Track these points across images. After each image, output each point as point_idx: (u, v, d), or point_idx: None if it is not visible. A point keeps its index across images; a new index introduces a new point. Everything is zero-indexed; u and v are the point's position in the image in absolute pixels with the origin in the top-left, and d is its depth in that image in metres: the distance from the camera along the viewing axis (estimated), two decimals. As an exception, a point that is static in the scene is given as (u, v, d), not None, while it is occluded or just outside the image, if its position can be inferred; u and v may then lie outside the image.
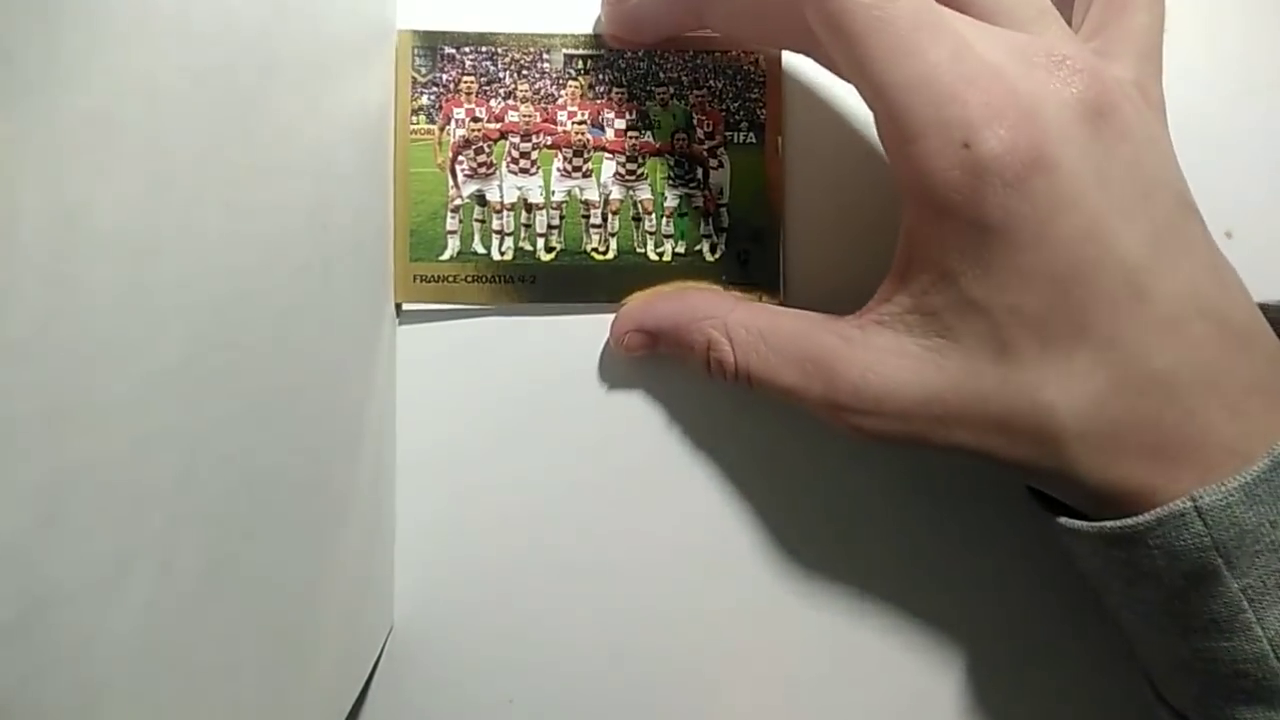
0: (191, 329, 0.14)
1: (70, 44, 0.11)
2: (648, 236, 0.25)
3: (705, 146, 0.25)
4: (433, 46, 0.24)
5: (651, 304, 0.23)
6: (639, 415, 0.25)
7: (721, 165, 0.25)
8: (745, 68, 0.25)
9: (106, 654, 0.12)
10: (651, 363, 0.25)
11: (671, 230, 0.25)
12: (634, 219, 0.25)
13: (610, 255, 0.25)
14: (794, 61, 0.25)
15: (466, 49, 0.24)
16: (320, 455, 0.19)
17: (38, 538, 0.11)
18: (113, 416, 0.12)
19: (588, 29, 0.25)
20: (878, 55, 0.19)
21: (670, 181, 0.25)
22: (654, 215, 0.25)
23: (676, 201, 0.25)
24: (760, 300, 0.24)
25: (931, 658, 0.25)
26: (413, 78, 0.24)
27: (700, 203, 0.25)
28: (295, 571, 0.18)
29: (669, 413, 0.25)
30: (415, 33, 0.24)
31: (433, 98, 0.24)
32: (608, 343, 0.25)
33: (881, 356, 0.20)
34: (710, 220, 0.25)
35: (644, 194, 0.25)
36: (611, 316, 0.24)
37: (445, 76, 0.24)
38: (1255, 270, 0.20)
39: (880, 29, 0.18)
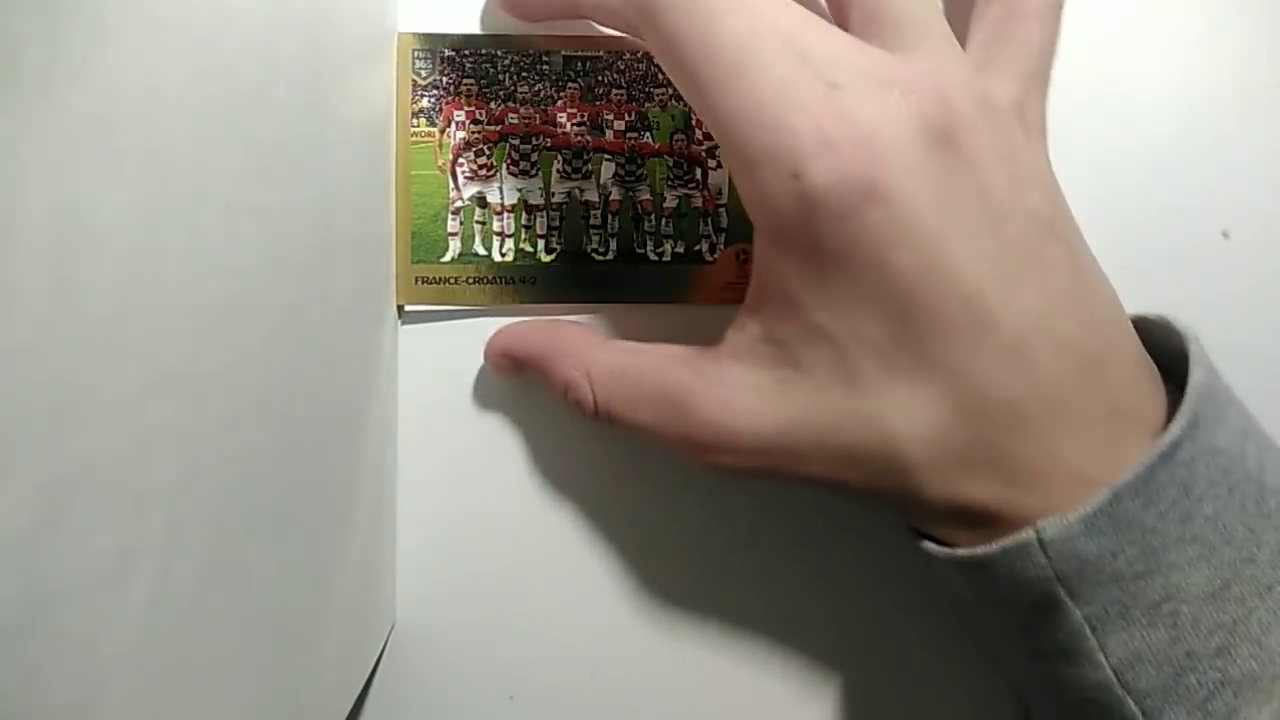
0: (191, 329, 0.14)
1: (70, 44, 0.11)
2: (647, 237, 0.25)
3: (704, 147, 0.25)
4: (433, 49, 0.24)
5: (523, 333, 0.23)
6: (639, 416, 0.25)
7: (720, 165, 0.25)
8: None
9: (106, 654, 0.12)
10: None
11: (671, 230, 0.25)
12: (634, 219, 0.25)
13: (610, 256, 0.25)
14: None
15: (466, 51, 0.24)
16: (322, 455, 0.19)
17: (38, 537, 0.11)
18: (113, 416, 0.12)
19: (587, 31, 0.25)
20: (706, 79, 0.18)
21: (669, 182, 0.25)
22: (654, 215, 0.25)
23: (676, 202, 0.25)
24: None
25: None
26: (413, 80, 0.24)
27: (699, 203, 0.25)
28: (296, 571, 0.18)
29: (669, 413, 0.25)
30: (415, 35, 0.24)
31: (433, 100, 0.24)
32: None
33: (736, 392, 0.19)
34: (710, 220, 0.25)
35: (644, 195, 0.25)
36: (612, 317, 0.24)
37: (445, 79, 0.24)
38: (1254, 270, 0.20)
39: (707, 50, 0.18)
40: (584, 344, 0.22)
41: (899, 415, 0.18)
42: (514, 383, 0.25)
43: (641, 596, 0.25)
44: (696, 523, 0.25)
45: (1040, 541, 0.17)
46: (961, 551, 0.19)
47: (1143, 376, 0.19)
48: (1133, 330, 0.19)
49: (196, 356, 0.14)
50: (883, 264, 0.18)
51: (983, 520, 0.18)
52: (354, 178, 0.21)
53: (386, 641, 0.25)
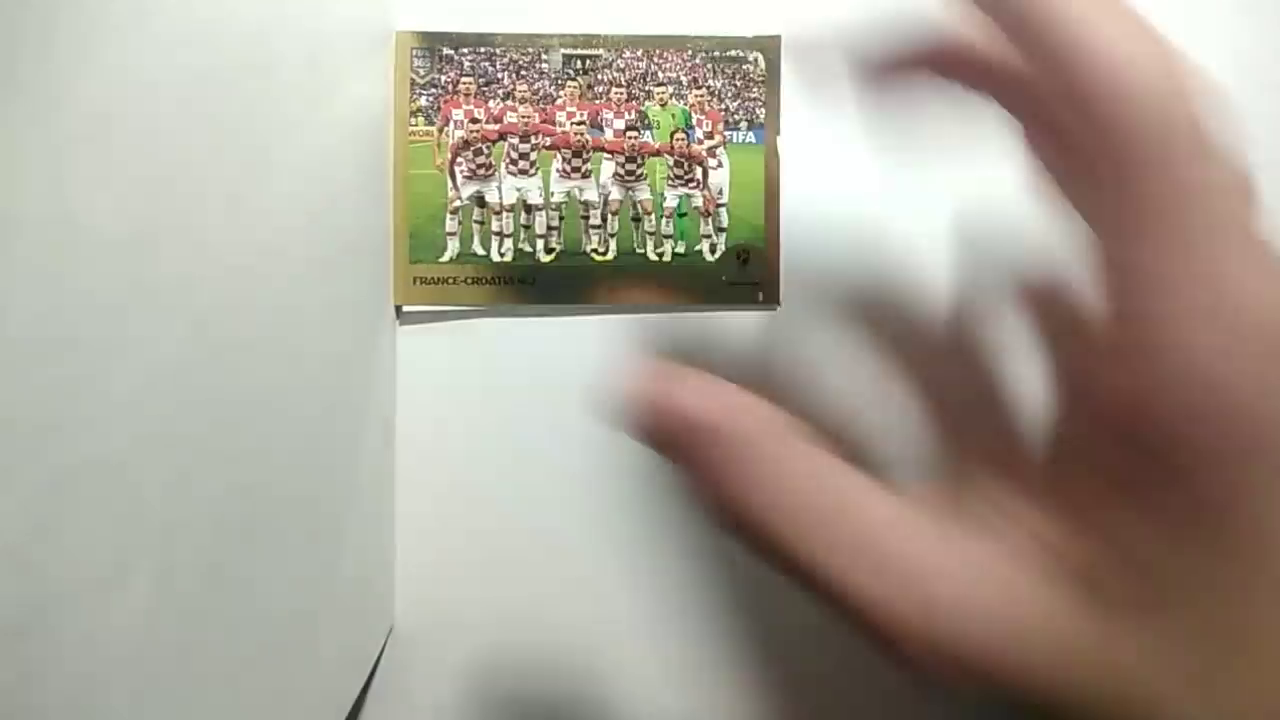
0: (191, 329, 0.14)
1: (70, 44, 0.11)
2: (647, 237, 0.25)
3: (705, 146, 0.25)
4: (431, 48, 0.24)
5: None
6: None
7: (721, 165, 0.25)
8: (745, 67, 0.25)
9: (106, 654, 0.12)
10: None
11: (671, 230, 0.25)
12: (633, 219, 0.25)
13: (610, 256, 0.25)
14: (794, 60, 0.25)
15: (465, 50, 0.24)
16: (320, 456, 0.19)
17: (38, 538, 0.11)
18: (113, 416, 0.12)
19: (586, 29, 0.25)
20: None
21: (670, 181, 0.25)
22: (654, 215, 0.25)
23: (676, 201, 0.25)
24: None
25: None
26: (411, 79, 0.24)
27: (700, 203, 0.25)
28: (295, 572, 0.18)
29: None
30: (414, 34, 0.24)
31: (431, 99, 0.24)
32: (607, 345, 0.25)
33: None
34: (710, 220, 0.25)
35: (643, 194, 0.25)
36: (611, 316, 0.24)
37: (444, 78, 0.24)
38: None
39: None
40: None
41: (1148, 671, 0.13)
42: (514, 383, 0.25)
43: (641, 597, 0.25)
44: (697, 524, 0.25)
45: None
46: None
47: None
48: None
49: (195, 356, 0.14)
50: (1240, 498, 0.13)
51: None
52: (352, 177, 0.21)
53: (386, 642, 0.25)
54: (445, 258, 0.24)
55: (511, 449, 0.25)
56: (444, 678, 0.25)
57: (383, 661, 0.25)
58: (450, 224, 0.24)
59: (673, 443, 0.15)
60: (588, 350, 0.25)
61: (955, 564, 0.14)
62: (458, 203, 0.24)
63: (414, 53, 0.24)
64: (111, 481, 0.12)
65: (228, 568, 0.15)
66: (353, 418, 0.22)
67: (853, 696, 0.25)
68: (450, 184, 0.24)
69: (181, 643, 0.14)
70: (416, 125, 0.24)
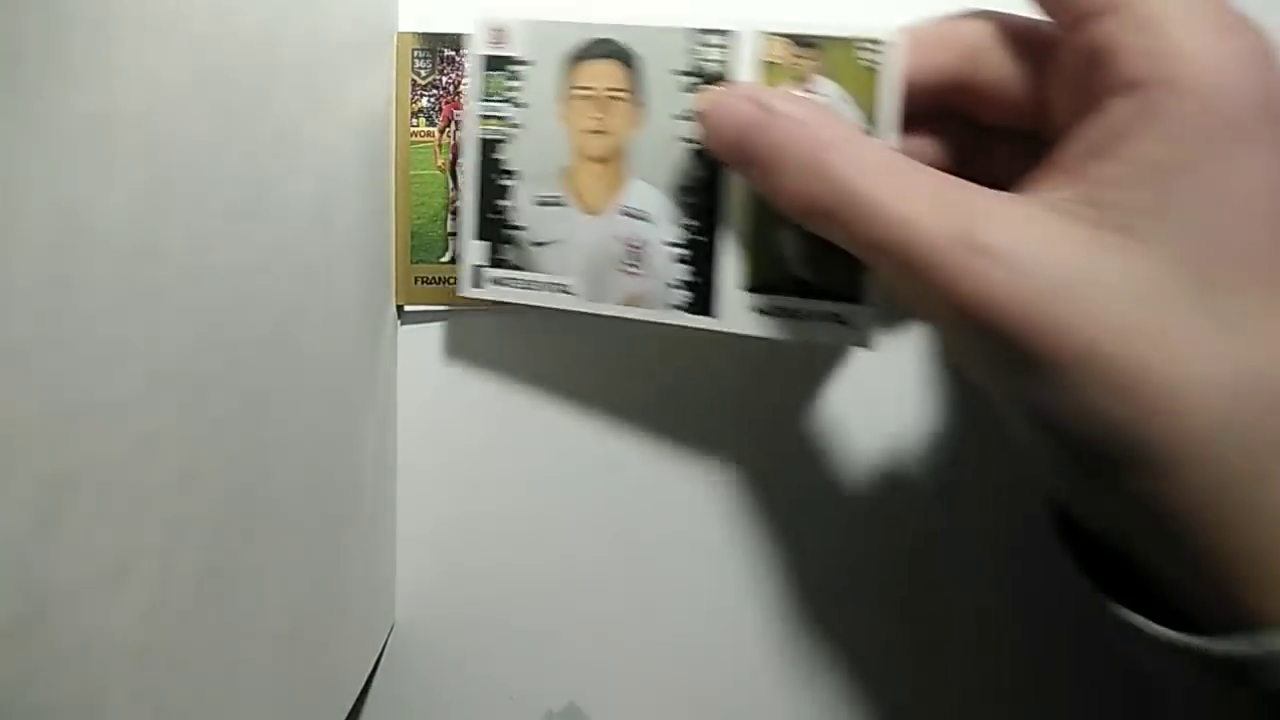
0: (191, 329, 0.14)
1: (71, 44, 0.11)
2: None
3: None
4: (432, 49, 0.24)
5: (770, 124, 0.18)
6: (639, 415, 0.25)
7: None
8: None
9: (106, 654, 0.12)
10: (651, 362, 0.25)
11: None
12: (634, 220, 0.25)
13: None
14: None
15: (466, 51, 0.24)
16: (321, 455, 0.19)
17: (38, 538, 0.11)
18: (113, 416, 0.12)
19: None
20: None
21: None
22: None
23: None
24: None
25: (937, 662, 0.25)
26: (413, 80, 0.24)
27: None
28: (296, 571, 0.18)
29: (669, 412, 0.25)
30: (415, 35, 0.24)
31: (433, 100, 0.24)
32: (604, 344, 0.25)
33: (1026, 226, 0.16)
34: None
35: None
36: (614, 320, 0.24)
37: (445, 79, 0.24)
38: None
39: None
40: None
41: (1237, 349, 0.15)
42: (514, 382, 0.25)
43: (640, 596, 0.25)
44: (696, 523, 0.25)
45: None
46: (1192, 642, 0.15)
47: None
48: None
49: (196, 356, 0.14)
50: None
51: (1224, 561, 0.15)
52: (354, 178, 0.21)
53: (386, 641, 0.25)
54: (446, 258, 0.24)
55: (511, 448, 0.25)
56: (444, 678, 0.25)
57: (384, 660, 0.25)
58: (451, 224, 0.24)
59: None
60: (588, 349, 0.25)
61: (995, 204, 0.16)
62: (459, 203, 0.24)
63: (415, 54, 0.24)
64: (111, 481, 0.12)
65: (228, 568, 0.15)
66: (353, 417, 0.22)
67: (854, 693, 0.25)
68: (451, 184, 0.24)
69: (181, 643, 0.14)
70: (418, 126, 0.24)
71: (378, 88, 0.23)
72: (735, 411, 0.25)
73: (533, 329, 0.25)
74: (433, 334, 0.25)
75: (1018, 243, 0.16)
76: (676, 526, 0.25)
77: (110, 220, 0.12)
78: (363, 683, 0.24)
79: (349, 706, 0.23)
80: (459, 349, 0.25)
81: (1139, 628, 0.16)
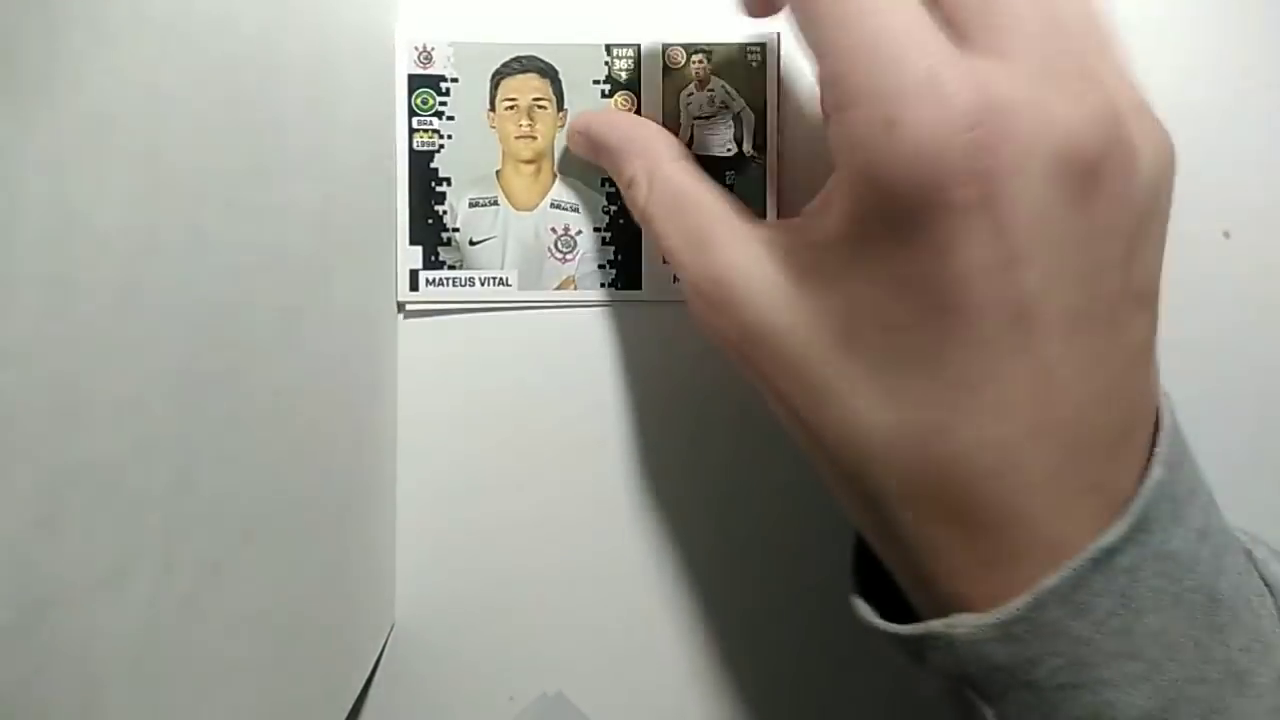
0: (191, 329, 0.14)
1: (71, 44, 0.11)
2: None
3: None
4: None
5: (609, 119, 0.23)
6: (640, 414, 0.25)
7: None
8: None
9: (106, 654, 0.12)
10: (652, 361, 0.25)
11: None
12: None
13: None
14: (794, 55, 0.25)
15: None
16: (321, 454, 0.19)
17: (38, 538, 0.11)
18: (113, 416, 0.12)
19: (585, 33, 0.25)
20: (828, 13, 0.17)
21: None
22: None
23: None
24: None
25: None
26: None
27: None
28: (296, 571, 0.18)
29: (670, 412, 0.25)
30: (415, 35, 0.24)
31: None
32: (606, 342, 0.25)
33: (752, 264, 0.19)
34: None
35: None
36: (615, 314, 0.24)
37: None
38: (1254, 270, 0.20)
39: None
40: (660, 149, 0.22)
41: (874, 404, 0.17)
42: (514, 382, 0.25)
43: (640, 596, 0.25)
44: (696, 524, 0.25)
45: (950, 639, 0.17)
46: (880, 624, 0.18)
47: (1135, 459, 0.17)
48: (1152, 422, 0.18)
49: (195, 356, 0.14)
50: (947, 253, 0.16)
51: (943, 563, 0.17)
52: (354, 178, 0.21)
53: (386, 641, 0.25)
54: (446, 258, 0.25)
55: (513, 446, 0.25)
56: (445, 675, 0.25)
57: (384, 659, 0.25)
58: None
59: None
60: (589, 349, 0.25)
61: (740, 251, 0.19)
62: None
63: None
64: (111, 481, 0.12)
65: (228, 567, 0.15)
66: (353, 416, 0.22)
67: (855, 690, 0.25)
68: (451, 184, 0.25)
69: (181, 642, 0.14)
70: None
71: (378, 87, 0.23)
72: (738, 414, 0.25)
73: (533, 329, 0.25)
74: (434, 332, 0.25)
75: (733, 284, 0.19)
76: (677, 527, 0.25)
77: (110, 220, 0.12)
78: (363, 683, 0.24)
79: (349, 706, 0.23)
80: (460, 347, 0.25)
81: (864, 617, 0.19)
